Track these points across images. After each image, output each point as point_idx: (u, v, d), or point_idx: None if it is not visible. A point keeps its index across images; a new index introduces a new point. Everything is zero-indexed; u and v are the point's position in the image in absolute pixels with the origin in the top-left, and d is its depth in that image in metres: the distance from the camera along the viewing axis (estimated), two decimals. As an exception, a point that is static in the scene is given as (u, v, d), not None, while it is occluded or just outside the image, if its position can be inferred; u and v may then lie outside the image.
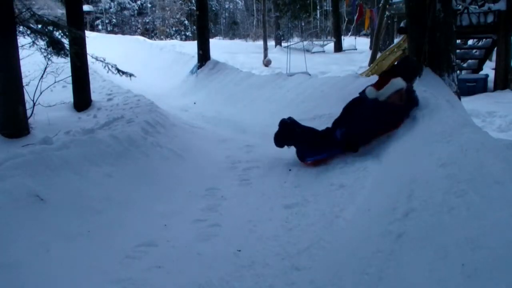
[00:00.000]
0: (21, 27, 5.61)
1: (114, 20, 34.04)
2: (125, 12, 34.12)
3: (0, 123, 5.13)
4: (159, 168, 4.38)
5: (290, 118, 4.79)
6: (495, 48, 10.31)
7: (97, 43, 15.50)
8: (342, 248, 2.77)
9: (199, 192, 4.06)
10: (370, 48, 18.24)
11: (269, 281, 2.52)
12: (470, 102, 7.29)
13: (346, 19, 25.14)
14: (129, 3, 34.13)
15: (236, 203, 3.79)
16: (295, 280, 2.48)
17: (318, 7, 27.67)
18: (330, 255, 2.70)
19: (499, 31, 9.72)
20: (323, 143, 4.34)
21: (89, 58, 7.20)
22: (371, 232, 2.83)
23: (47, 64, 6.15)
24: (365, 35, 25.78)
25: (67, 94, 7.36)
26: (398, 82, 4.19)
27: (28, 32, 5.71)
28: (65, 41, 6.19)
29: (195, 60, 13.71)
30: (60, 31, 6.04)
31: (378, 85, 4.35)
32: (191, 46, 16.71)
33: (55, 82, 6.54)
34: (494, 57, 11.04)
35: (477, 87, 9.67)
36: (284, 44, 22.73)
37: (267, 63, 16.89)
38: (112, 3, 33.48)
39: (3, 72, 4.99)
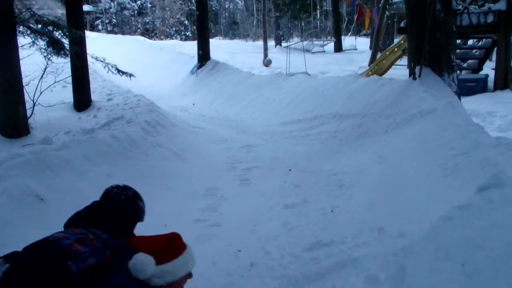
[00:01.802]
0: (21, 27, 5.61)
1: (114, 20, 34.04)
2: (125, 12, 34.10)
3: (0, 123, 5.12)
4: (159, 168, 4.38)
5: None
6: (495, 48, 10.31)
7: (97, 43, 15.51)
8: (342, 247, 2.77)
9: (199, 192, 4.05)
10: (370, 48, 18.23)
11: (270, 281, 2.52)
12: (470, 102, 7.29)
13: (346, 19, 25.15)
14: (129, 3, 34.11)
15: (236, 203, 3.79)
16: (297, 280, 2.48)
17: (318, 7, 27.66)
18: (330, 255, 2.70)
19: (499, 31, 9.73)
20: None
21: (89, 58, 7.20)
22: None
23: (47, 64, 6.14)
24: (365, 35, 25.77)
25: (67, 94, 7.35)
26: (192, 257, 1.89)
27: (28, 32, 5.71)
28: (65, 41, 6.18)
29: (195, 60, 13.71)
30: (60, 31, 6.04)
31: (156, 250, 1.74)
32: (191, 46, 16.72)
33: (55, 82, 6.54)
34: (494, 57, 11.04)
35: (477, 87, 9.67)
36: (284, 44, 22.73)
37: (267, 63, 16.89)
38: (112, 3, 33.45)
39: (3, 72, 4.99)
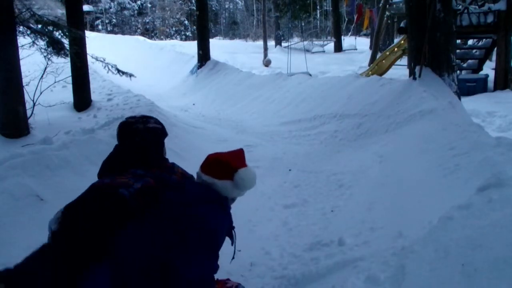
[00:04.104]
0: (21, 27, 5.61)
1: (114, 20, 34.03)
2: (125, 12, 34.10)
3: (0, 123, 5.12)
4: (159, 168, 4.37)
5: None
6: (495, 48, 10.31)
7: (97, 43, 15.50)
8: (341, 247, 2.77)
9: (199, 192, 4.05)
10: (370, 48, 18.24)
11: (270, 280, 2.52)
12: (470, 102, 7.29)
13: (346, 19, 25.16)
14: (129, 3, 34.10)
15: (235, 202, 3.78)
16: (297, 280, 2.48)
17: (318, 7, 27.67)
18: (330, 255, 2.70)
19: (499, 31, 9.73)
20: None
21: (89, 58, 7.19)
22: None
23: (47, 64, 6.14)
24: (365, 35, 25.78)
25: (67, 94, 7.35)
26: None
27: (28, 32, 5.70)
28: (65, 41, 6.18)
29: (195, 60, 13.71)
30: (60, 31, 6.03)
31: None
32: (191, 46, 16.71)
33: (55, 82, 6.53)
34: (494, 57, 11.04)
35: (477, 87, 9.68)
36: (284, 44, 22.74)
37: (267, 63, 16.89)
38: (112, 3, 33.45)
39: (3, 72, 4.99)
